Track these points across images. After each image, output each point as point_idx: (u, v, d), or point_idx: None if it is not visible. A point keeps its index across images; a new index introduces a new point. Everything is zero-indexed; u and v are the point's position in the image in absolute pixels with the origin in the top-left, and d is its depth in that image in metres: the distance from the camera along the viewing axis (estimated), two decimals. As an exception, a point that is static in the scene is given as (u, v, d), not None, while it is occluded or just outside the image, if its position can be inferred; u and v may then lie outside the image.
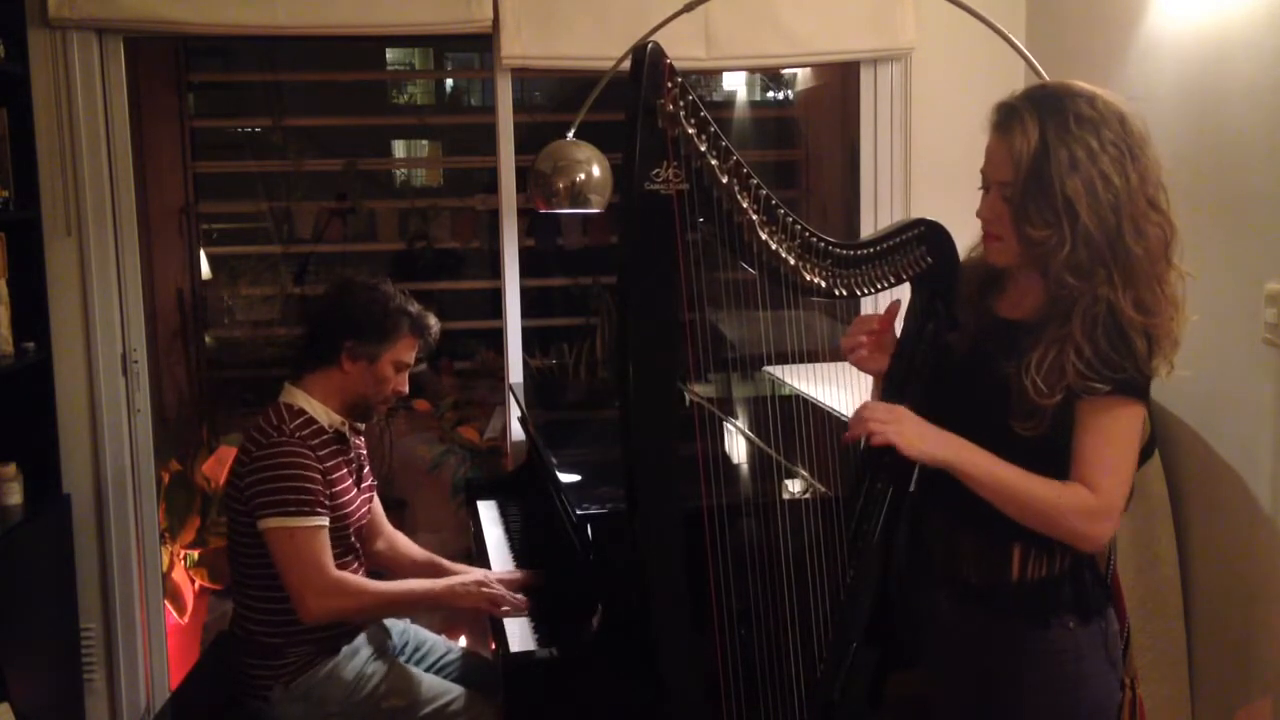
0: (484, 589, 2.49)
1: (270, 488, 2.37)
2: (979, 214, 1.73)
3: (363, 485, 2.64)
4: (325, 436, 2.49)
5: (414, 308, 2.57)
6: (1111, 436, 1.63)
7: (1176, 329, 1.65)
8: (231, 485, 2.48)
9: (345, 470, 2.54)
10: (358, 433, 2.65)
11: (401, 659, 2.65)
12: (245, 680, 2.49)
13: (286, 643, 2.45)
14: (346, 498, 2.51)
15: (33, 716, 2.79)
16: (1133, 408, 1.64)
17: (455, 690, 2.53)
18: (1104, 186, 1.58)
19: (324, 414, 2.51)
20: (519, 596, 2.50)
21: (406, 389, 2.60)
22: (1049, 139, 1.60)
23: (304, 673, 2.45)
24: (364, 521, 2.63)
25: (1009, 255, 1.71)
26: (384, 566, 2.73)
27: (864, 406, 1.72)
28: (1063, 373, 1.61)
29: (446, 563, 2.74)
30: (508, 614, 2.46)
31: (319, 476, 2.41)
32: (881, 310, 1.88)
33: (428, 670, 2.65)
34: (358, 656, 2.51)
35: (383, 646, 2.61)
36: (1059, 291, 1.63)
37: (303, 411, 2.48)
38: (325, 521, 2.41)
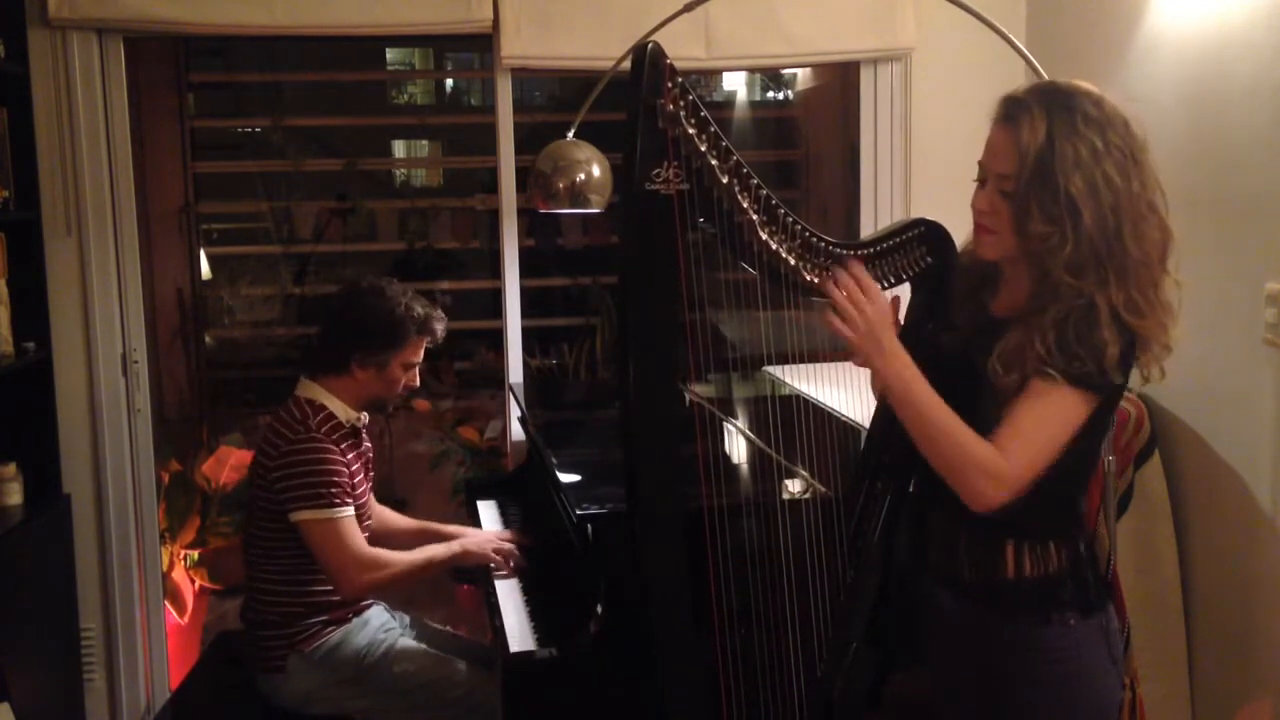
0: (492, 545, 2.63)
1: (301, 482, 2.45)
2: (974, 205, 1.71)
3: (369, 476, 2.74)
4: (344, 431, 2.59)
5: (419, 310, 2.62)
6: (1038, 412, 1.61)
7: (1169, 335, 1.64)
8: (256, 475, 2.57)
9: (360, 464, 2.64)
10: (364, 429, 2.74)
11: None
12: (261, 655, 2.57)
13: (302, 612, 2.55)
14: (361, 489, 2.62)
15: (33, 716, 2.80)
16: (1076, 397, 1.61)
17: (459, 663, 2.64)
18: (1106, 187, 1.58)
19: (342, 410, 2.60)
20: (514, 549, 2.64)
21: (417, 383, 2.70)
22: (1055, 135, 1.59)
23: (318, 640, 2.55)
24: (370, 508, 2.75)
25: (1001, 250, 1.70)
26: (378, 542, 2.77)
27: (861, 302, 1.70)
28: (1022, 356, 1.61)
29: (439, 526, 2.85)
30: (506, 566, 2.59)
31: (345, 470, 2.52)
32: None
33: None
34: (368, 626, 2.63)
35: (390, 621, 2.73)
36: (1052, 290, 1.62)
37: (323, 407, 2.57)
38: (352, 511, 2.51)
